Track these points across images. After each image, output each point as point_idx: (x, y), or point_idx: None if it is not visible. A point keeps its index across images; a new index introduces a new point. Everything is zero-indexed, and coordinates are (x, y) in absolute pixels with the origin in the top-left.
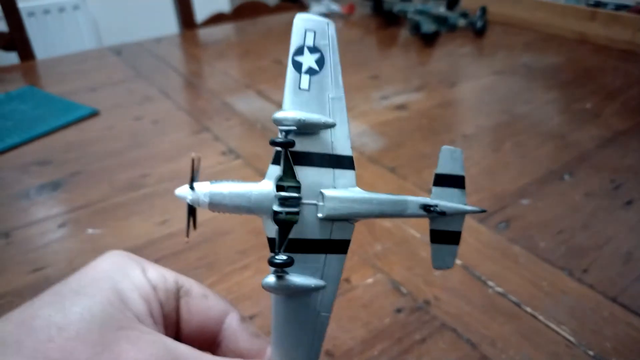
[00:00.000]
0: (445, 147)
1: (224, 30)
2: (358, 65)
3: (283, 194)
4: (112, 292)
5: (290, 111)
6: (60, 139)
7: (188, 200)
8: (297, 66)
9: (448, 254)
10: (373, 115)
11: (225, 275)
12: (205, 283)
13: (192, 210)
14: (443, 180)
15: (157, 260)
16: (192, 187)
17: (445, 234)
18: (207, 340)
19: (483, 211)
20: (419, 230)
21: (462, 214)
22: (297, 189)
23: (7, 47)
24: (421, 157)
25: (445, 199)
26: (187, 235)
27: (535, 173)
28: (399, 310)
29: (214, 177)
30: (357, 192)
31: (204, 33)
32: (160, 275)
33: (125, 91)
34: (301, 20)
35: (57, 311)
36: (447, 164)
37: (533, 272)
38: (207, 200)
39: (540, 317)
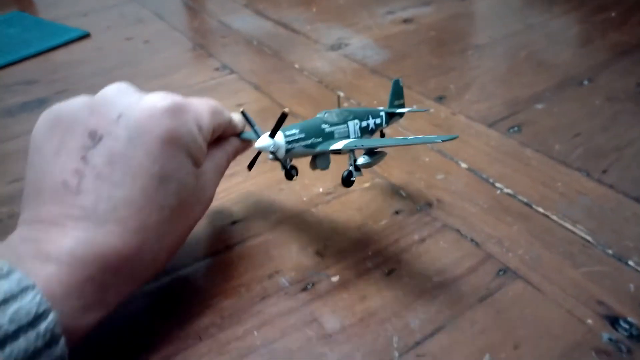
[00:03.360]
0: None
1: None
2: None
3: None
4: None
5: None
6: (48, 60)
7: (270, 149)
8: None
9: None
10: (377, 30)
11: None
12: None
13: (277, 158)
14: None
15: None
16: (272, 136)
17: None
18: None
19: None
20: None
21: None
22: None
23: None
24: (428, 67)
25: None
26: (250, 169)
27: (551, 80)
28: (397, 212)
29: (205, 92)
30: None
31: None
32: (208, 131)
33: (117, 14)
34: None
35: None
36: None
37: (546, 174)
38: (283, 151)
39: (554, 217)
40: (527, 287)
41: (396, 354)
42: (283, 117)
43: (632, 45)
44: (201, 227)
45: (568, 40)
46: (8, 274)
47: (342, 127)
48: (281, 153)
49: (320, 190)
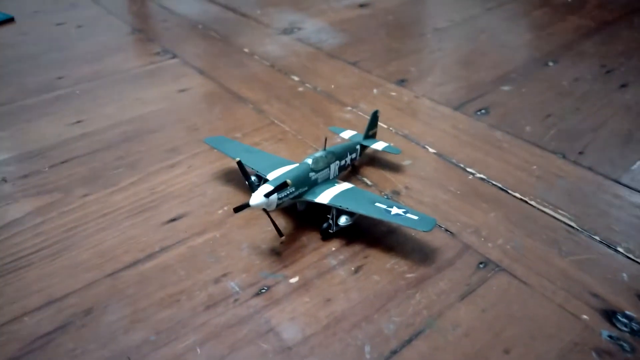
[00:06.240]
0: None
1: None
2: None
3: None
4: None
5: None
6: None
7: (264, 206)
8: None
9: None
10: (332, 14)
11: (149, 174)
12: (124, 183)
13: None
14: None
15: (68, 161)
16: (267, 196)
17: None
18: None
19: None
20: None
21: None
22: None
23: None
24: (387, 51)
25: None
26: (281, 235)
27: (515, 61)
28: None
29: (144, 76)
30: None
31: None
32: None
33: None
34: None
35: None
36: None
37: (520, 157)
38: (274, 207)
39: (532, 202)
40: (512, 281)
41: None
42: (284, 185)
43: (591, 28)
44: (130, 228)
45: (528, 23)
46: None
47: (325, 172)
48: (272, 207)
49: None
